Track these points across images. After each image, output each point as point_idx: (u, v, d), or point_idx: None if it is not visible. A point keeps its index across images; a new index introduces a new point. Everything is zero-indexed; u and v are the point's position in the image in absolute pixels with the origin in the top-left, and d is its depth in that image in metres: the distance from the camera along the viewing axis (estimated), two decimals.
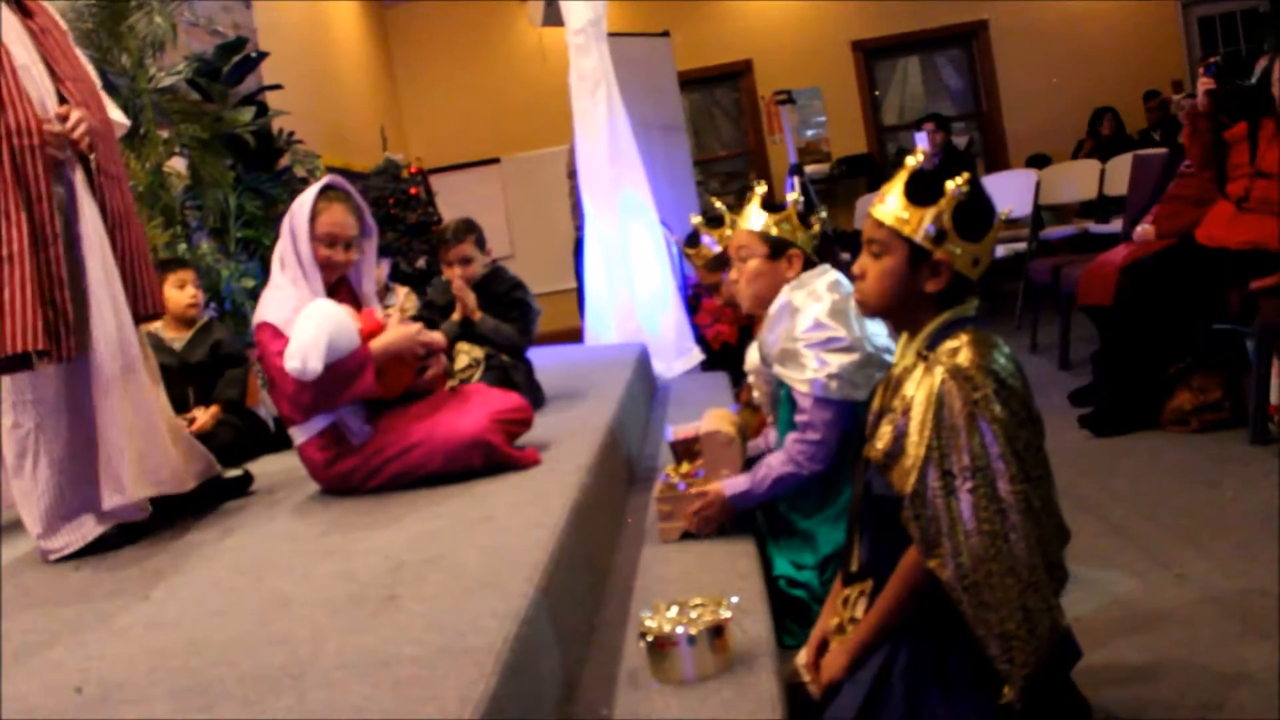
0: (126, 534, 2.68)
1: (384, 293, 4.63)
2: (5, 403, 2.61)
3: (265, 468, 3.31)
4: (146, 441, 2.68)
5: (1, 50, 2.51)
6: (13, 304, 2.43)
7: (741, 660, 1.90)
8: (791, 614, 2.47)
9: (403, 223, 6.83)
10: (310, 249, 2.83)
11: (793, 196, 2.72)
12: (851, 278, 1.92)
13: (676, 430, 3.08)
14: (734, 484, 2.60)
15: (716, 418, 2.96)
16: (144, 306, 2.78)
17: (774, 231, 2.67)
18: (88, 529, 2.64)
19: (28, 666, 1.87)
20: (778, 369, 2.57)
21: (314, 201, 2.85)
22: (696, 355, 5.65)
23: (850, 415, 2.45)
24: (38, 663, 1.88)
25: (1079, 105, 9.30)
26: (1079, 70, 9.68)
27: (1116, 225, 6.45)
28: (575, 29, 5.72)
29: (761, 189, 2.79)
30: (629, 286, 5.61)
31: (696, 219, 3.36)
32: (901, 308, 1.83)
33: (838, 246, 7.17)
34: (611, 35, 5.93)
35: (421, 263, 6.72)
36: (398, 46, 10.42)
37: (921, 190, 1.78)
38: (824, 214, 3.36)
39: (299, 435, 2.82)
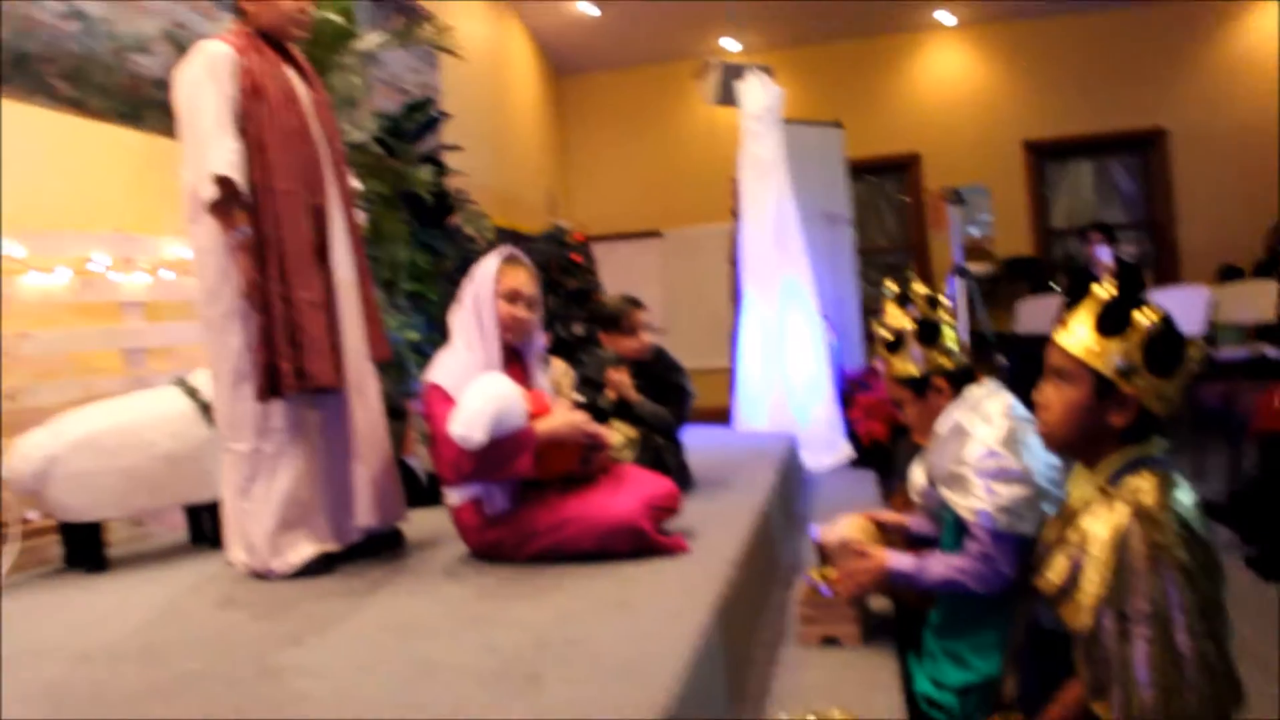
0: (327, 562, 2.89)
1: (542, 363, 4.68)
2: (245, 429, 2.83)
3: (416, 522, 3.37)
4: (383, 473, 3.01)
5: (303, 125, 2.85)
6: (318, 344, 2.77)
7: None
8: None
9: (563, 288, 6.95)
10: (493, 307, 2.90)
11: (907, 325, 2.63)
12: (1014, 383, 1.87)
13: (823, 531, 3.03)
14: (899, 560, 2.53)
15: (851, 525, 2.89)
16: (376, 353, 3.06)
17: (912, 372, 2.62)
18: (304, 550, 2.85)
19: (181, 700, 1.93)
20: (944, 492, 2.48)
21: (499, 265, 2.94)
22: (846, 450, 5.58)
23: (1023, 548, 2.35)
24: (192, 696, 1.94)
25: (1259, 219, 8.94)
26: (1261, 182, 9.31)
27: None
28: (752, 114, 5.79)
29: (886, 336, 2.71)
30: (783, 374, 5.58)
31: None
32: (1085, 440, 1.78)
33: (995, 349, 7.02)
34: (786, 122, 5.97)
35: (579, 329, 6.80)
36: (570, 114, 10.69)
37: (1111, 321, 1.74)
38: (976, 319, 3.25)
39: (454, 497, 2.87)
